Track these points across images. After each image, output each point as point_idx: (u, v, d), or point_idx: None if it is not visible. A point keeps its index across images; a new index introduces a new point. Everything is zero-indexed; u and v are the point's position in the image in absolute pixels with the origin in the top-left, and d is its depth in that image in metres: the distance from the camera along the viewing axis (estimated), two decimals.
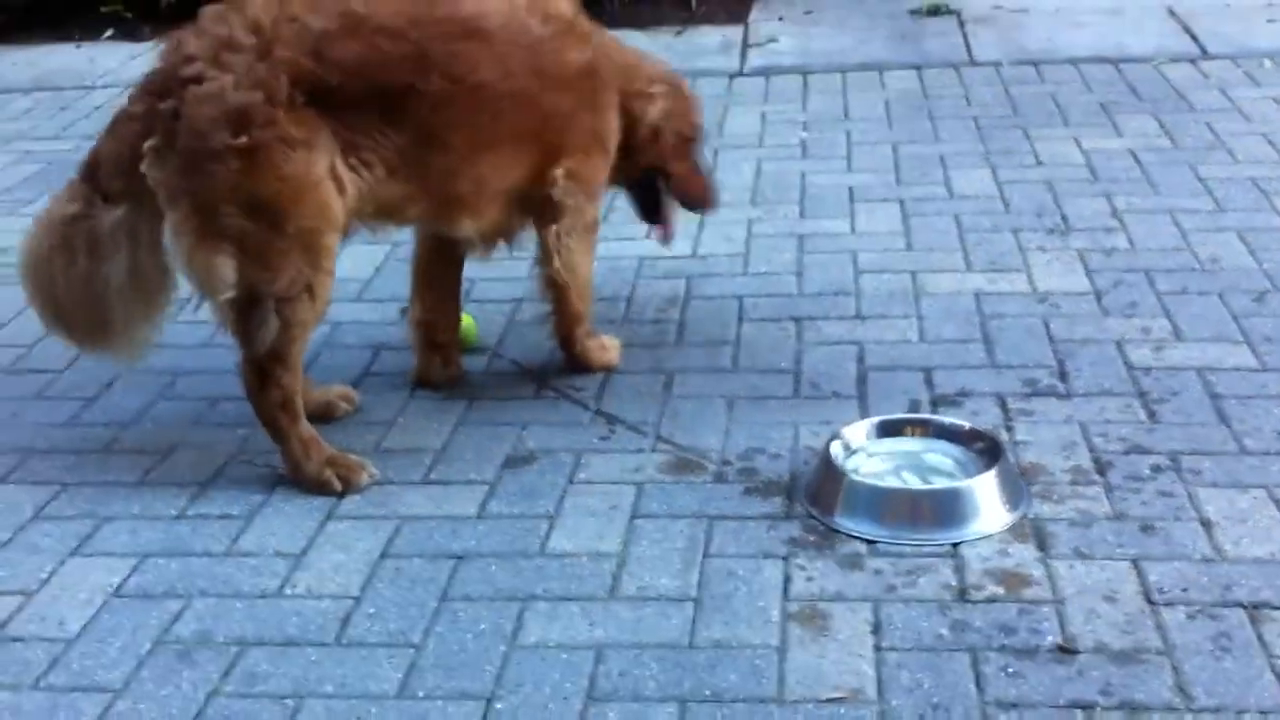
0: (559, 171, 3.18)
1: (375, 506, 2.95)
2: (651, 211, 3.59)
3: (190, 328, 3.86)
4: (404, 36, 2.92)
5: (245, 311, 2.89)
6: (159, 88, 2.86)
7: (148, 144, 2.83)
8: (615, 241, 4.20)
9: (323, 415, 3.24)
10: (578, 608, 2.59)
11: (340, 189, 2.91)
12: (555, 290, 3.34)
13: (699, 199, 3.58)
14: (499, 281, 4.04)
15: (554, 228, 3.24)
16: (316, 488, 2.98)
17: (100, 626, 2.60)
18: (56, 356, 3.62)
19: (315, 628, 2.56)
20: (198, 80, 2.80)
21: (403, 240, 4.36)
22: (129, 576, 2.74)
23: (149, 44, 6.22)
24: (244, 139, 2.79)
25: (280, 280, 2.87)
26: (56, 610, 2.65)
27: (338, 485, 2.98)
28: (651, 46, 6.45)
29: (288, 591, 2.68)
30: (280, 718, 2.34)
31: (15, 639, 2.57)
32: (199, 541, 2.85)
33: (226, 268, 2.84)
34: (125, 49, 6.81)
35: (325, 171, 2.88)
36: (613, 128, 3.31)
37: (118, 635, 2.57)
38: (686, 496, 2.93)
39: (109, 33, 7.11)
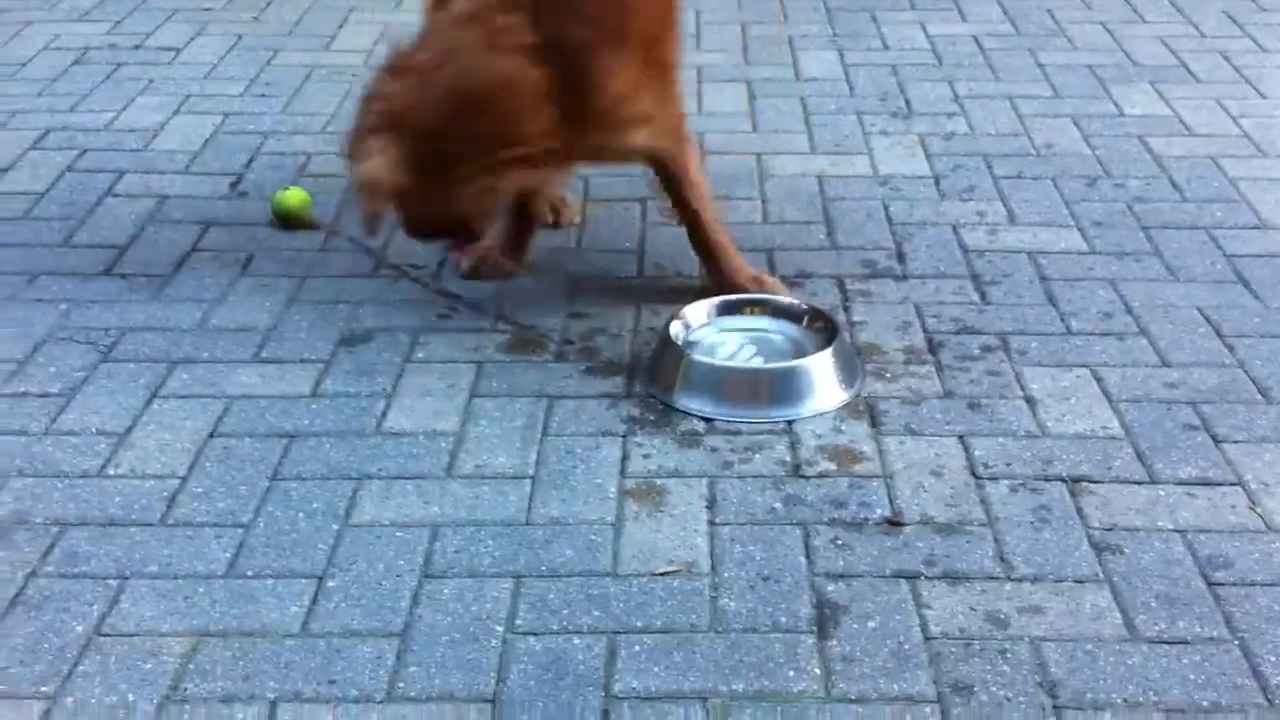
0: None
1: (204, 385, 2.86)
2: None
3: (5, 199, 3.67)
4: None
5: None
6: None
7: None
8: None
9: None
10: (413, 486, 2.56)
11: None
12: None
13: None
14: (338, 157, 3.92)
15: None
16: None
17: None
18: None
19: (139, 508, 2.49)
20: None
21: (234, 112, 4.20)
22: None
23: None
24: None
25: None
26: None
27: None
28: None
29: (110, 471, 2.59)
30: (103, 598, 2.28)
31: None
32: (16, 420, 2.74)
33: None
34: None
35: None
36: None
37: None
38: (526, 375, 2.91)
39: None
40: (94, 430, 2.71)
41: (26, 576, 2.32)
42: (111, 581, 2.31)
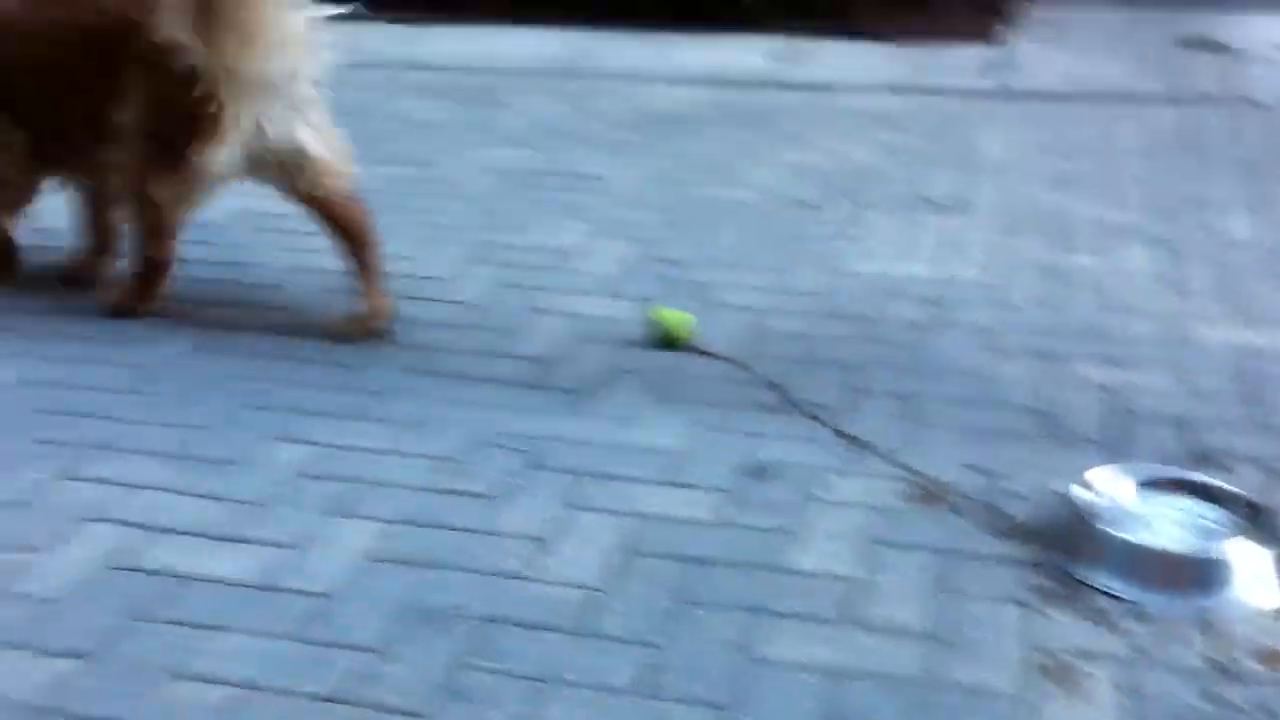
0: None
1: (617, 501, 3.00)
2: None
3: (445, 308, 3.99)
4: None
5: None
6: None
7: None
8: (866, 259, 4.17)
9: None
10: (815, 628, 2.59)
11: None
12: None
13: None
14: (748, 290, 4.06)
15: None
16: None
17: (356, 587, 2.71)
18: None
19: (557, 614, 2.63)
20: None
21: (655, 239, 4.43)
22: (384, 541, 2.86)
23: None
24: None
25: None
26: (315, 567, 2.77)
27: None
28: (898, 58, 6.39)
29: (530, 574, 2.75)
30: (522, 698, 2.40)
31: (279, 590, 2.70)
32: (452, 516, 2.95)
33: None
34: None
35: None
36: None
37: (371, 597, 2.68)
38: (926, 527, 2.91)
39: None
40: (519, 533, 2.89)
41: (459, 667, 2.49)
42: (534, 683, 2.44)
